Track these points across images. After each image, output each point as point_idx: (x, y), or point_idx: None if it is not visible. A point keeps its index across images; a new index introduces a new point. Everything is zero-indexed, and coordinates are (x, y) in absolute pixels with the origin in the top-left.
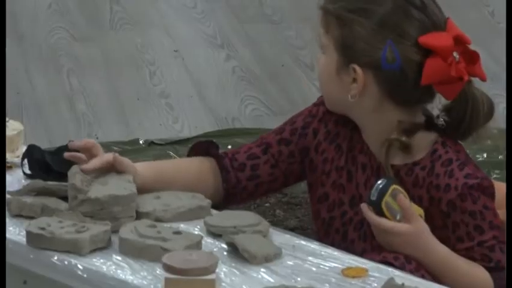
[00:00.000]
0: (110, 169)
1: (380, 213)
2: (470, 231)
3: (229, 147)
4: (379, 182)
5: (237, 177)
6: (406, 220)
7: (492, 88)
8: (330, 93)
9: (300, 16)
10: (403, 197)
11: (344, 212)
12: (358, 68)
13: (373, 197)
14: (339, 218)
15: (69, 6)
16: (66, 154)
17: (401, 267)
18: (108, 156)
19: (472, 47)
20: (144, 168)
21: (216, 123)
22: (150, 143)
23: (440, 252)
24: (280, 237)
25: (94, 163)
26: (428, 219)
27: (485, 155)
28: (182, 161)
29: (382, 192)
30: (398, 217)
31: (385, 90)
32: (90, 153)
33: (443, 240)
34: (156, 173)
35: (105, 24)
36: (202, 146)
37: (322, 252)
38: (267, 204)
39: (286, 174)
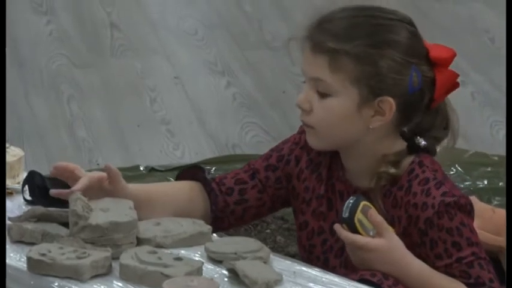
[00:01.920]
0: (100, 187)
1: (354, 230)
2: (448, 248)
3: None
4: (349, 200)
5: (225, 201)
6: (379, 235)
7: (493, 114)
8: (339, 133)
9: (300, 43)
10: (374, 212)
11: (325, 240)
12: (390, 99)
13: (345, 215)
14: (319, 245)
15: (69, 33)
16: (52, 192)
17: (379, 284)
18: (97, 173)
19: (472, 73)
20: (135, 188)
21: (216, 149)
22: (151, 170)
23: (415, 266)
24: (281, 264)
25: (82, 181)
26: (407, 237)
27: (486, 182)
28: (173, 183)
29: (353, 209)
30: (371, 233)
31: (400, 116)
32: (73, 177)
33: (422, 259)
34: (147, 194)
35: (105, 50)
36: (189, 172)
37: (323, 279)
38: (267, 231)
39: (274, 200)
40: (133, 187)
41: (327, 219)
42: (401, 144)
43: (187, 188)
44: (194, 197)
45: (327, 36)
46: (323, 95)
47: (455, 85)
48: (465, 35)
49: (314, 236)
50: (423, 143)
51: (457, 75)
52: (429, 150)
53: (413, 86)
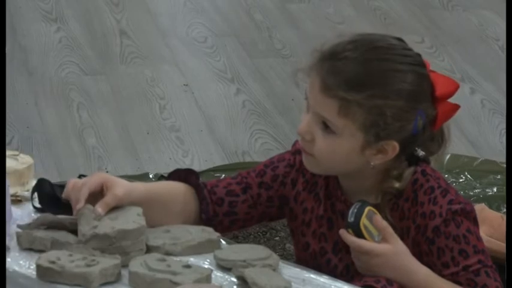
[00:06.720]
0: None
1: (359, 235)
2: (455, 256)
3: None
4: (354, 205)
5: (215, 211)
6: (384, 240)
7: (502, 122)
8: (340, 165)
9: (309, 50)
10: (379, 218)
11: (328, 260)
12: (394, 142)
13: (351, 219)
14: (325, 265)
15: (79, 40)
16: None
17: None
18: (96, 180)
19: (482, 81)
20: (137, 186)
21: (225, 157)
22: (160, 177)
23: (420, 272)
24: (290, 271)
25: (83, 195)
26: (416, 248)
27: (495, 189)
28: (170, 183)
29: (359, 215)
30: (377, 239)
31: (401, 150)
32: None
33: (430, 268)
34: (149, 191)
35: (115, 58)
36: (180, 174)
37: (332, 286)
38: (276, 238)
39: (262, 216)
40: (133, 187)
41: (329, 240)
42: (399, 157)
43: (183, 191)
44: (188, 201)
45: (338, 81)
46: (327, 130)
47: (454, 113)
48: (475, 43)
49: (317, 257)
50: (422, 153)
51: (458, 107)
52: (426, 160)
53: (417, 128)
